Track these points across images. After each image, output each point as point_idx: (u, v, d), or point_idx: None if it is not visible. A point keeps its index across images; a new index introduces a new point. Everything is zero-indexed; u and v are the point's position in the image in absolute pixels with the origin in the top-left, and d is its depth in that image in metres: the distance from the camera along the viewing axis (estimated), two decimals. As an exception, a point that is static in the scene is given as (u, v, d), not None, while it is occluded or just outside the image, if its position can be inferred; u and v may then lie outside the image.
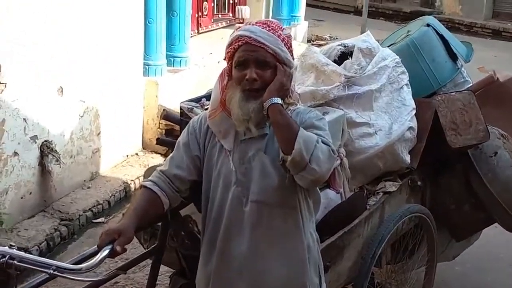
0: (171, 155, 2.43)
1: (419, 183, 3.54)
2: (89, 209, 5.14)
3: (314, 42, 11.74)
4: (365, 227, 3.12)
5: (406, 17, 15.72)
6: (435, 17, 4.95)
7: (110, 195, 5.45)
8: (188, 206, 2.56)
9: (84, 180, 5.49)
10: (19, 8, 4.48)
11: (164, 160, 2.47)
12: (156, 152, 6.27)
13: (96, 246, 2.09)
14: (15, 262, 1.94)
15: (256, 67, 2.20)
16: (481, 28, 15.45)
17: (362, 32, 9.45)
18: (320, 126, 2.24)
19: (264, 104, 2.17)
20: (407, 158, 3.39)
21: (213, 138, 2.35)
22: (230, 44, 2.27)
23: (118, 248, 2.05)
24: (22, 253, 1.98)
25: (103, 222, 5.13)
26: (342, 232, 2.93)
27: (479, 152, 3.62)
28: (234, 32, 2.29)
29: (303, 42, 10.70)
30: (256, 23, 2.28)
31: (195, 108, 3.32)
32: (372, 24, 11.80)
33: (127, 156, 6.17)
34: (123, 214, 2.53)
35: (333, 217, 2.97)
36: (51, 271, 1.95)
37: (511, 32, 14.98)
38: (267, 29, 2.24)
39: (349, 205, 3.08)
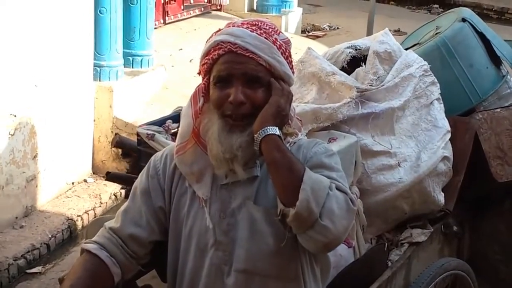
0: (124, 206, 2.30)
1: (455, 228, 3.50)
2: (22, 255, 5.02)
3: (310, 33, 11.92)
4: (387, 293, 3.05)
5: (422, 2, 15.80)
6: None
7: (50, 236, 5.32)
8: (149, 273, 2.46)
9: (16, 217, 5.36)
10: None
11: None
12: (111, 178, 6.20)
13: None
14: None
15: (243, 85, 2.10)
16: (515, 15, 15.61)
17: (369, 20, 9.47)
18: (332, 165, 2.15)
19: (256, 136, 2.06)
20: (441, 198, 3.34)
21: (182, 183, 2.25)
22: (206, 53, 2.16)
23: None
24: None
25: (40, 273, 4.99)
26: (357, 302, 2.81)
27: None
28: (212, 36, 2.18)
29: (296, 34, 10.88)
30: (242, 24, 2.18)
31: (157, 135, 3.18)
32: (381, 9, 12.11)
33: (72, 183, 6.09)
34: (60, 280, 2.39)
35: (345, 280, 2.82)
36: None
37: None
38: (258, 32, 2.15)
39: (365, 263, 2.96)
